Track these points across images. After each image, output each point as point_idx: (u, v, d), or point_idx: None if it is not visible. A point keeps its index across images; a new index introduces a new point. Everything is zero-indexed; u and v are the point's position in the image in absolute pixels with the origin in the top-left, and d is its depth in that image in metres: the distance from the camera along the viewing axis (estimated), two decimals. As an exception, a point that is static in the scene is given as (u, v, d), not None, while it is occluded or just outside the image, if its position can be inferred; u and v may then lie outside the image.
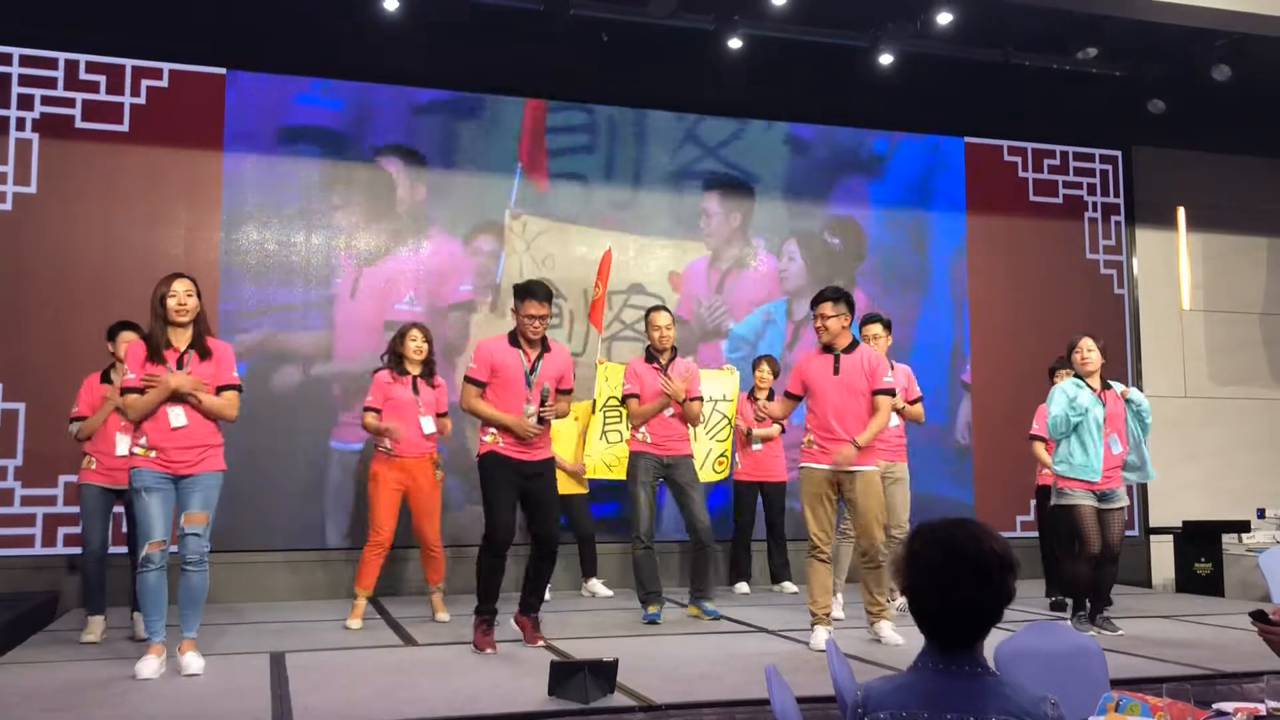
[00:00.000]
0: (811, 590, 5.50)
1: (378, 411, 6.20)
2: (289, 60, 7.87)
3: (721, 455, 7.70)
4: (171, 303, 4.75)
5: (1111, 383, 6.28)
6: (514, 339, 5.30)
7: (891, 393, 5.63)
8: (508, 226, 8.25)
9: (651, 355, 6.49)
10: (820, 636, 5.31)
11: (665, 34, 7.93)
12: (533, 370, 5.25)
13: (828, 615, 5.48)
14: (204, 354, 4.81)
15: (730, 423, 7.71)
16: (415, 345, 6.26)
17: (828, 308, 5.52)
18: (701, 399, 6.71)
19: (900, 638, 5.35)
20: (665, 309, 6.67)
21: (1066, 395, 6.10)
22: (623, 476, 6.88)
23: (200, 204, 7.62)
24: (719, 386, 7.68)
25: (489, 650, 5.13)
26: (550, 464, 5.40)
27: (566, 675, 4.12)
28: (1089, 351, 6.15)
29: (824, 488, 5.46)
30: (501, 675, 4.64)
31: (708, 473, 7.53)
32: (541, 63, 8.14)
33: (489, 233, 8.21)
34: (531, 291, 5.23)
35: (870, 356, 5.63)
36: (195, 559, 4.72)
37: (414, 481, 6.22)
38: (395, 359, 6.28)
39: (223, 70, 7.75)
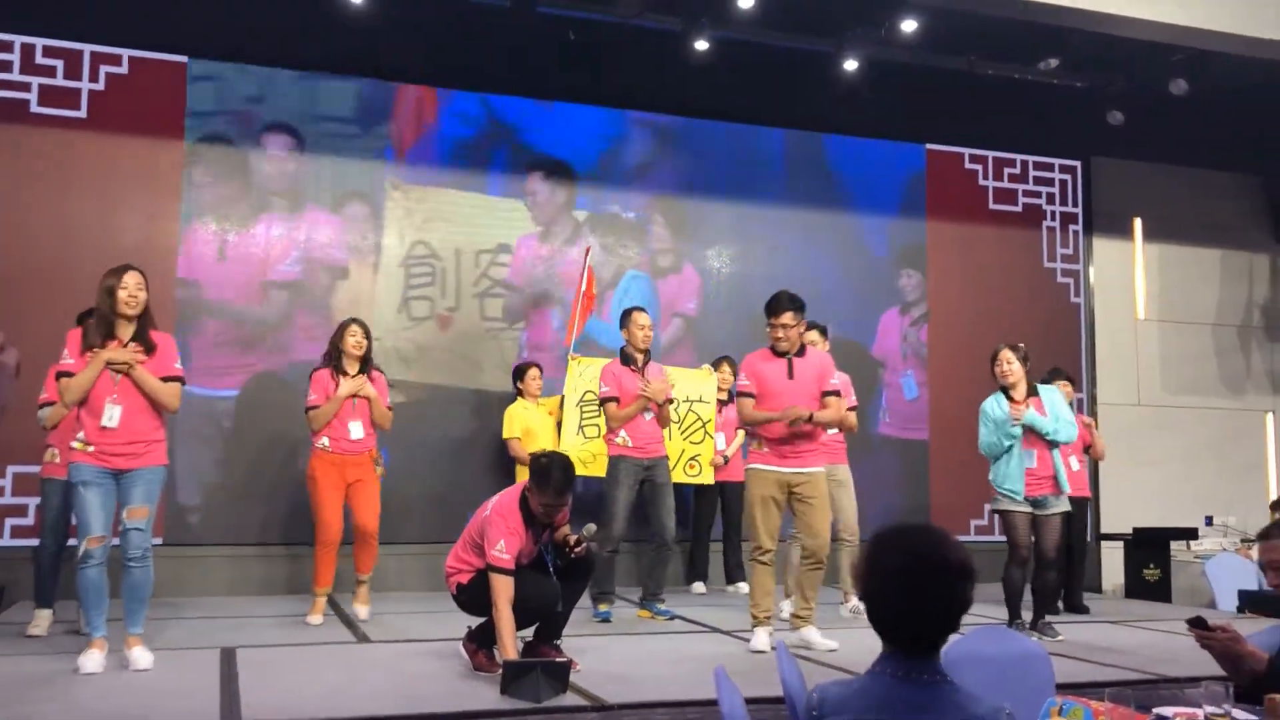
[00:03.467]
0: (754, 593, 5.48)
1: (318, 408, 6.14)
2: (251, 49, 7.78)
3: (694, 459, 7.71)
4: (122, 294, 4.69)
5: (1040, 388, 6.26)
6: (529, 517, 4.67)
7: (838, 394, 5.65)
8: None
9: (628, 358, 6.50)
10: (761, 639, 5.32)
11: (632, 34, 7.93)
12: (547, 547, 4.83)
13: (769, 618, 5.44)
14: (149, 348, 4.75)
15: (705, 425, 7.71)
16: (355, 340, 6.19)
17: (789, 318, 5.47)
18: (672, 401, 6.74)
19: (833, 642, 5.35)
20: (643, 309, 6.66)
21: (991, 417, 6.13)
22: (600, 473, 6.85)
23: (160, 193, 7.53)
24: (696, 387, 7.69)
25: (496, 671, 4.46)
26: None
27: (519, 674, 4.12)
28: (1008, 364, 6.12)
29: (774, 490, 5.46)
30: (454, 674, 4.63)
31: (679, 474, 7.55)
32: (509, 59, 8.12)
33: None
34: (548, 480, 4.57)
35: (822, 359, 5.70)
36: (138, 554, 4.66)
37: (353, 475, 6.16)
38: (335, 356, 6.21)
39: (184, 58, 7.66)
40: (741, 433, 7.92)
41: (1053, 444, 6.04)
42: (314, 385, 6.18)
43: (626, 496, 6.36)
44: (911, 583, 1.99)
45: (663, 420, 6.53)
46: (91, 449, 4.61)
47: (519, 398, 7.58)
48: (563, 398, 7.56)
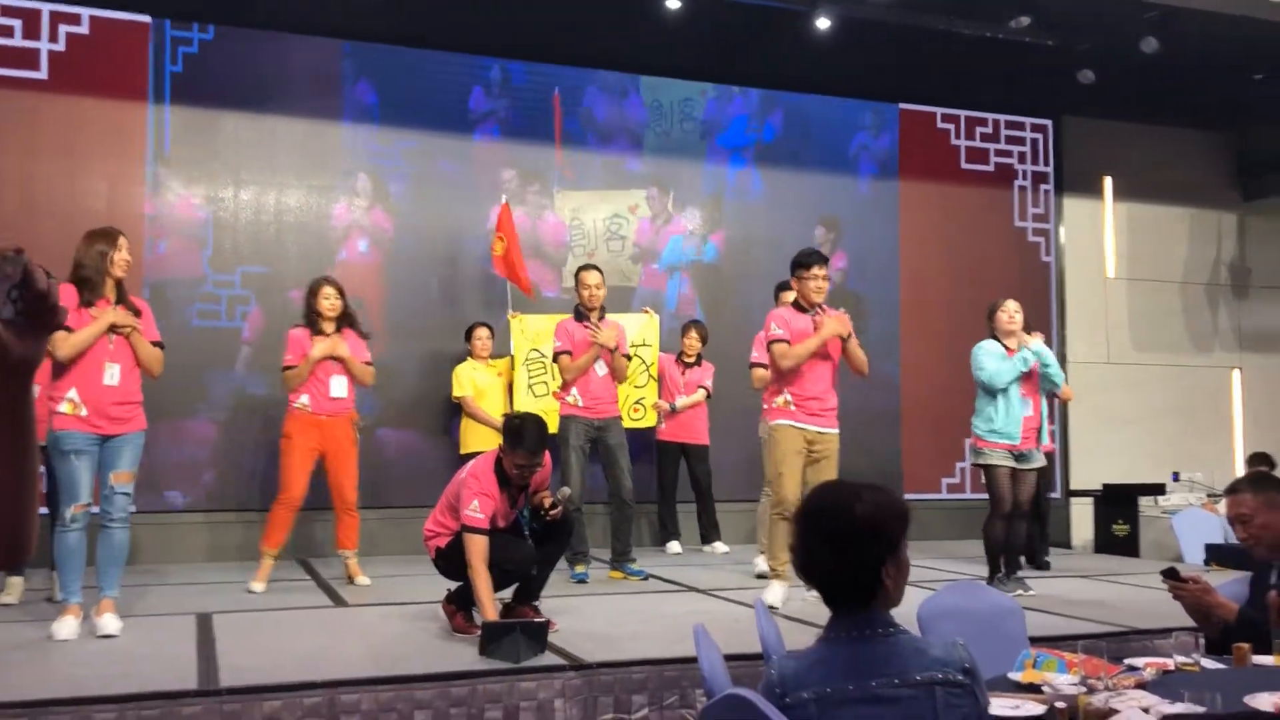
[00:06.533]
0: (774, 547, 5.62)
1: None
2: (218, 9, 7.64)
3: (638, 402, 7.81)
4: (117, 257, 4.69)
5: (1028, 338, 6.35)
6: (503, 480, 4.64)
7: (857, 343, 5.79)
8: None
9: (581, 314, 6.50)
10: (778, 592, 5.41)
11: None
12: (524, 511, 4.84)
13: (788, 570, 5.53)
14: (134, 312, 4.77)
15: (649, 368, 7.79)
16: (329, 303, 6.07)
17: (820, 270, 5.64)
18: (630, 357, 6.74)
19: None
20: (595, 268, 6.66)
21: (990, 352, 6.22)
22: (554, 430, 6.89)
23: (124, 156, 7.41)
24: (637, 331, 7.76)
25: (475, 633, 4.50)
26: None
27: (498, 635, 4.14)
28: (1016, 313, 6.27)
29: (800, 444, 5.57)
30: (433, 636, 4.64)
31: (624, 419, 7.56)
32: (482, 18, 8.02)
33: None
34: (521, 439, 4.54)
35: (841, 316, 5.76)
36: (121, 516, 4.67)
37: (331, 440, 6.07)
38: (311, 316, 6.11)
39: (147, 18, 7.52)
40: (701, 391, 7.95)
41: (1045, 388, 6.20)
42: (290, 345, 6.10)
43: (579, 457, 6.37)
44: (808, 540, 2.03)
45: (617, 374, 6.52)
46: (85, 411, 4.58)
47: (469, 358, 7.58)
48: (512, 358, 7.59)
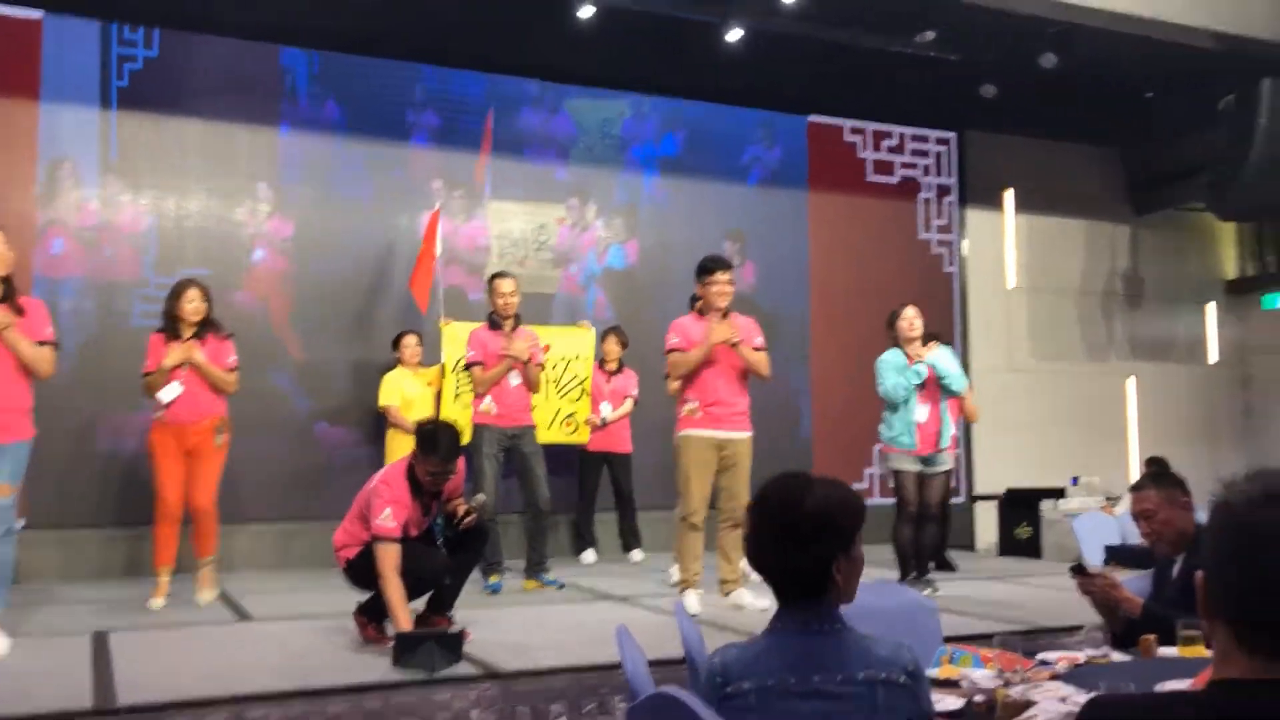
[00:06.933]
0: (684, 557, 5.62)
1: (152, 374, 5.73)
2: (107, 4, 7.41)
3: (570, 416, 7.71)
4: None
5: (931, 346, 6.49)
6: (416, 487, 4.59)
7: (764, 350, 5.80)
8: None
9: (495, 323, 6.42)
10: (692, 601, 5.40)
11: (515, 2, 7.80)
12: (436, 519, 4.81)
13: (699, 579, 5.58)
14: (17, 311, 4.54)
15: (582, 383, 7.71)
16: (193, 305, 5.78)
17: (724, 275, 5.66)
18: (543, 365, 6.68)
19: (765, 601, 5.43)
20: (509, 275, 6.58)
21: (892, 364, 6.33)
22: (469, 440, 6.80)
23: (13, 156, 7.12)
24: (573, 344, 7.69)
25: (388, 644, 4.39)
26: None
27: (412, 646, 4.06)
28: (916, 319, 6.40)
29: (709, 453, 5.57)
30: (344, 648, 4.52)
31: (555, 433, 7.50)
32: (388, 28, 7.90)
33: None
34: (434, 447, 4.50)
35: (746, 321, 5.80)
36: (1, 531, 4.44)
37: (191, 444, 5.77)
38: (170, 321, 5.79)
39: (39, 14, 7.24)
40: (629, 401, 7.93)
41: (944, 394, 6.27)
42: (149, 352, 5.78)
43: (492, 466, 6.28)
44: (766, 534, 2.01)
45: (531, 384, 6.44)
46: None
47: (398, 365, 7.45)
48: (442, 366, 7.47)
